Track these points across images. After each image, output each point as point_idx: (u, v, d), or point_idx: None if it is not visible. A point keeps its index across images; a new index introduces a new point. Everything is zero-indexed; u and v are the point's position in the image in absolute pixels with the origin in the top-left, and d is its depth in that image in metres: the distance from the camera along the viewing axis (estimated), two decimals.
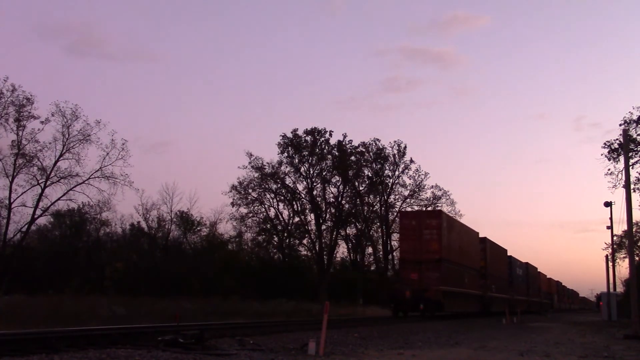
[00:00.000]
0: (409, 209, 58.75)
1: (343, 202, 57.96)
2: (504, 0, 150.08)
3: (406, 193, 63.11)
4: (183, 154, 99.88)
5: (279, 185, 56.15)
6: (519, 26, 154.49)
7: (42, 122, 36.74)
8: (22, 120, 36.17)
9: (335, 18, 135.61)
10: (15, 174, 36.43)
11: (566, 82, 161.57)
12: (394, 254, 65.17)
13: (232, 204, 53.43)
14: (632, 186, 27.30)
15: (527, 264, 62.95)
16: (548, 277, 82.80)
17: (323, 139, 56.27)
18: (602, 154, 33.01)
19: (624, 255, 53.45)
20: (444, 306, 32.44)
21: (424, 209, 60.23)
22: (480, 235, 42.98)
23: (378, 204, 62.79)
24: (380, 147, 60.85)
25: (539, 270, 71.99)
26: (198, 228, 49.16)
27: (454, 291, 34.15)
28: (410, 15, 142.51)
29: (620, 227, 48.50)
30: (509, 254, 53.47)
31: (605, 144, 32.97)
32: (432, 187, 63.11)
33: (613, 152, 32.62)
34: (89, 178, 38.30)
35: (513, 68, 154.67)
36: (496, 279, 45.63)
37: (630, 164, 27.84)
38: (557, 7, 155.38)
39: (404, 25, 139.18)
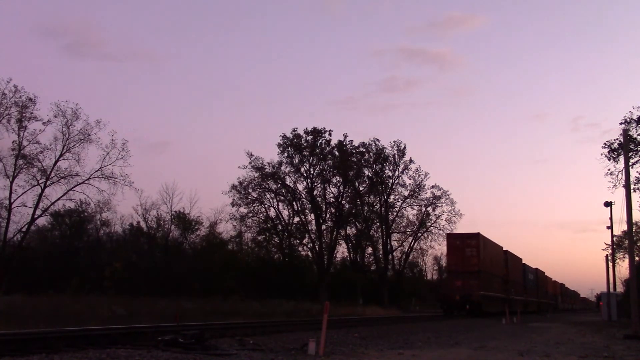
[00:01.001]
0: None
1: (343, 202, 57.98)
2: (501, 1, 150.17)
3: (406, 193, 63.35)
4: (183, 154, 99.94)
5: (279, 185, 56.17)
6: (516, 26, 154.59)
7: (44, 124, 36.81)
8: (24, 121, 36.22)
9: (333, 19, 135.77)
10: (15, 174, 36.46)
11: (563, 82, 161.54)
12: (394, 253, 65.44)
13: (232, 204, 53.54)
14: (632, 186, 27.28)
15: (536, 269, 67.38)
16: (553, 280, 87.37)
17: (323, 139, 56.31)
18: (602, 154, 32.95)
19: (624, 255, 53.45)
20: (482, 307, 39.93)
21: (425, 207, 63.82)
22: (483, 239, 47.13)
23: (378, 204, 62.87)
24: (380, 147, 61.01)
25: (546, 274, 77.01)
26: (196, 227, 49.16)
27: (488, 295, 42.07)
28: (407, 15, 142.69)
29: (620, 227, 48.47)
30: (513, 258, 57.14)
31: (605, 144, 32.90)
32: (431, 187, 63.42)
33: (613, 152, 32.54)
34: (89, 178, 38.37)
35: (510, 68, 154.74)
36: (515, 284, 53.01)
37: (630, 163, 27.80)
38: (555, 7, 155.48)
39: (402, 26, 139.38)
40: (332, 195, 57.94)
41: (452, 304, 40.99)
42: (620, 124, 32.61)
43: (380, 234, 63.48)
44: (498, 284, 46.40)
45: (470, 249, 40.92)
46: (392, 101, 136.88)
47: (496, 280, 45.79)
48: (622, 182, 26.99)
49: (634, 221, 29.92)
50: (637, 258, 37.77)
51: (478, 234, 42.47)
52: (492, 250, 45.83)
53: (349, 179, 57.22)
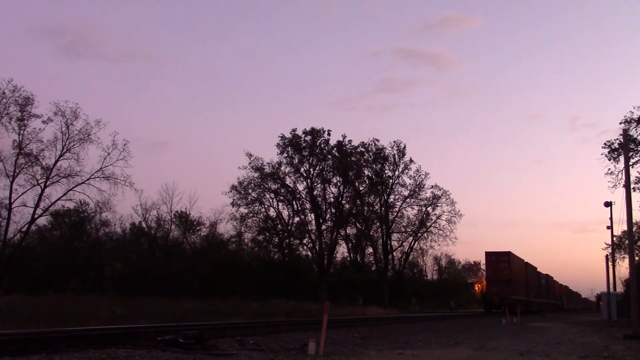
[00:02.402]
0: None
1: (343, 202, 57.93)
2: (498, 1, 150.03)
3: (406, 193, 63.33)
4: (183, 154, 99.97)
5: (278, 185, 56.11)
6: (513, 27, 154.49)
7: (44, 122, 36.79)
8: (24, 120, 36.18)
9: (331, 20, 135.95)
10: (15, 174, 36.43)
11: (560, 82, 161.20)
12: (394, 253, 65.42)
13: (232, 204, 53.45)
14: (632, 186, 27.26)
15: (547, 275, 75.27)
16: (559, 283, 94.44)
17: (322, 139, 56.23)
18: (602, 154, 32.96)
19: (624, 255, 53.40)
20: (513, 307, 46.59)
21: (425, 207, 64.89)
22: (512, 256, 56.12)
23: (378, 204, 62.81)
24: (380, 147, 60.93)
25: (554, 278, 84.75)
26: (197, 228, 49.14)
27: (517, 298, 51.46)
28: (404, 16, 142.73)
29: (620, 227, 48.43)
30: (531, 267, 64.14)
31: (605, 144, 32.91)
32: (431, 187, 63.42)
33: (613, 152, 32.54)
34: (90, 178, 38.34)
35: (507, 69, 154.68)
36: (532, 288, 62.28)
37: (630, 163, 27.77)
38: (551, 7, 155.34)
39: (399, 27, 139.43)
40: (332, 195, 57.95)
41: (492, 305, 51.96)
42: (620, 123, 32.64)
43: (380, 234, 63.43)
44: (522, 289, 56.44)
45: (503, 264, 52.07)
46: (390, 101, 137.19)
47: (521, 286, 55.87)
48: (622, 182, 27.01)
49: (634, 221, 29.82)
50: (637, 258, 37.74)
51: (509, 252, 53.32)
52: (517, 263, 56.38)
53: (349, 179, 57.14)
